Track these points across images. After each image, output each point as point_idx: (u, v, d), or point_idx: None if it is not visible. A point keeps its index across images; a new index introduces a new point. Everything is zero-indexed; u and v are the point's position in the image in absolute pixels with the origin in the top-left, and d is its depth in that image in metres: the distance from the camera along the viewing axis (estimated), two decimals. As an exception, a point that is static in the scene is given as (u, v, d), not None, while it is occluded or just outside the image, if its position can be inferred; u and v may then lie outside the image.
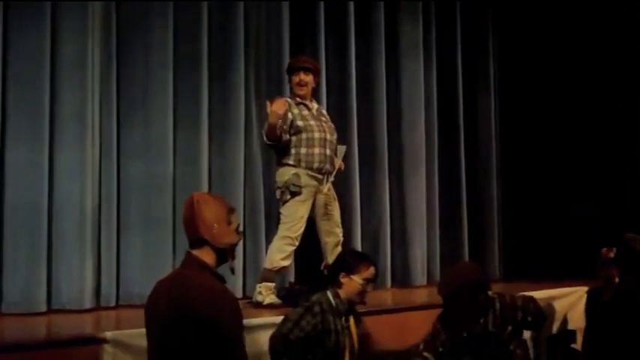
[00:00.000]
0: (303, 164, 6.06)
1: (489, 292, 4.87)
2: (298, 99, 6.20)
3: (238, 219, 3.80)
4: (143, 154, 6.56)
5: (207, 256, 3.62)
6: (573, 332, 6.55)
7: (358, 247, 7.65)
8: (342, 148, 6.26)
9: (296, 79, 6.23)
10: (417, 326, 5.80)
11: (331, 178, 6.24)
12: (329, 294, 4.55)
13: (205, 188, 6.75)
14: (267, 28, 7.44)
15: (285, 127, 5.99)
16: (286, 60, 7.18)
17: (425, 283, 8.23)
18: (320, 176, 6.12)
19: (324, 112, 6.47)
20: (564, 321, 6.88)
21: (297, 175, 6.03)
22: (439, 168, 8.66)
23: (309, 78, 6.25)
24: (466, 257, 8.68)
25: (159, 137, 6.61)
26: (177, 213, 6.55)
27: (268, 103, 5.90)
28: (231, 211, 3.74)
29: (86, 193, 6.11)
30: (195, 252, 3.63)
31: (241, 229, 3.83)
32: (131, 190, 6.51)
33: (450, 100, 8.90)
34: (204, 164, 6.84)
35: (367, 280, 4.55)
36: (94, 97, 6.24)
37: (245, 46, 7.19)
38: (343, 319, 4.52)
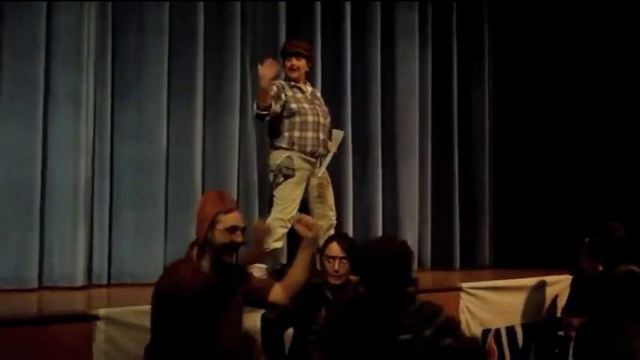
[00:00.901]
0: (296, 147, 6.05)
1: None
2: (292, 82, 6.20)
3: (235, 220, 3.75)
4: (137, 132, 6.57)
5: (201, 253, 3.72)
6: (560, 319, 6.58)
7: (350, 233, 7.66)
8: (338, 134, 6.24)
9: (288, 63, 6.20)
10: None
11: (325, 162, 6.26)
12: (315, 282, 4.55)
13: (199, 169, 6.78)
14: (264, 7, 7.45)
15: (272, 94, 5.93)
16: (282, 40, 7.20)
17: (415, 268, 8.24)
18: (313, 160, 6.12)
19: (319, 94, 6.46)
20: (553, 308, 6.93)
21: (290, 158, 6.02)
22: (432, 155, 8.69)
23: (301, 63, 6.23)
24: (457, 244, 8.72)
25: (153, 116, 6.62)
26: (169, 192, 6.59)
27: (259, 66, 5.85)
28: (225, 212, 3.74)
29: (79, 171, 6.11)
30: (194, 247, 3.75)
31: (240, 226, 3.77)
32: (124, 168, 6.52)
33: (444, 90, 8.92)
34: (198, 145, 6.84)
35: (327, 257, 4.52)
36: (88, 75, 6.25)
37: (241, 26, 7.19)
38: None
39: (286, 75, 6.24)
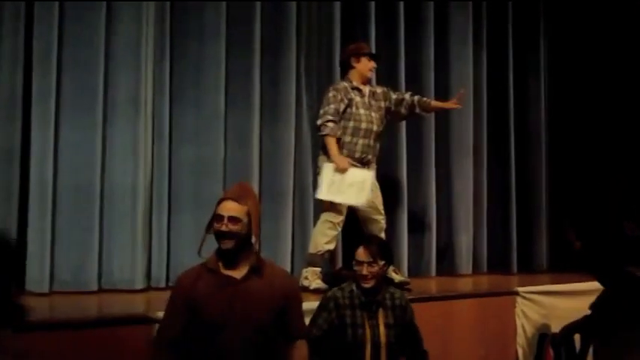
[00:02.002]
0: (345, 152, 6.11)
1: None
2: (355, 83, 6.26)
3: (221, 209, 3.84)
4: (195, 136, 6.63)
5: None
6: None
7: (404, 235, 7.67)
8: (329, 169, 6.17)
9: (369, 64, 6.34)
10: (462, 314, 5.84)
11: (374, 166, 6.31)
12: (347, 287, 4.55)
13: (256, 171, 6.82)
14: (319, 8, 7.48)
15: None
16: (337, 46, 7.29)
17: (470, 272, 8.22)
18: (360, 165, 6.16)
19: (379, 91, 6.48)
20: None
21: None
22: (487, 156, 8.62)
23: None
24: (514, 248, 8.66)
25: (211, 119, 6.68)
26: (227, 196, 6.61)
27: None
28: (219, 201, 3.88)
29: (138, 175, 6.19)
30: None
31: (225, 215, 3.83)
32: (183, 171, 6.58)
33: (499, 89, 8.84)
34: (255, 147, 6.87)
35: (356, 262, 4.52)
36: (147, 79, 6.32)
37: (297, 29, 7.22)
38: (363, 311, 4.44)
39: (354, 74, 6.28)
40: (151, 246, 6.34)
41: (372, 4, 7.72)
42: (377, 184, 6.35)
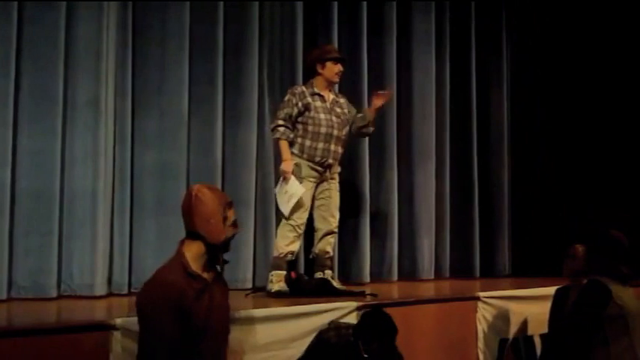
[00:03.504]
0: (305, 156, 6.16)
1: None
2: (316, 89, 6.26)
3: (235, 213, 3.87)
4: (157, 140, 6.59)
5: (197, 247, 3.73)
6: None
7: (366, 240, 7.69)
8: (298, 190, 6.16)
9: (335, 68, 6.33)
10: (423, 319, 5.85)
11: (337, 170, 6.34)
12: None
13: (219, 176, 6.80)
14: (282, 16, 7.46)
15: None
16: (299, 49, 7.31)
17: (432, 276, 8.25)
18: (321, 169, 6.20)
19: (342, 101, 6.49)
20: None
21: (298, 166, 6.16)
22: (450, 161, 8.67)
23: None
24: (477, 252, 8.70)
25: (173, 124, 6.65)
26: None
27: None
28: (228, 205, 3.82)
29: (99, 179, 6.13)
30: (187, 241, 3.76)
31: (238, 221, 3.88)
32: (145, 176, 6.54)
33: (462, 94, 8.90)
34: (218, 152, 6.86)
35: None
36: (108, 83, 6.26)
37: (259, 31, 7.22)
38: None
39: (326, 78, 6.32)
40: (113, 252, 6.29)
41: (335, 5, 7.72)
42: (338, 187, 6.38)
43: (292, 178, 6.08)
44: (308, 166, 6.16)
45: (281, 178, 6.17)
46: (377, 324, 4.62)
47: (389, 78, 8.15)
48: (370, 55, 8.01)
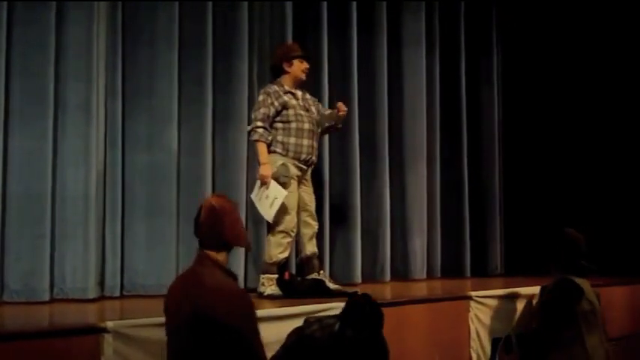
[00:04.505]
0: (290, 154, 6.13)
1: None
2: (287, 87, 6.25)
3: None
4: (148, 142, 6.58)
5: (223, 257, 3.85)
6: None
7: (357, 240, 7.70)
8: (280, 193, 6.10)
9: (302, 65, 6.31)
10: (416, 319, 5.85)
11: (311, 169, 6.39)
12: None
13: (209, 178, 6.80)
14: (271, 16, 7.47)
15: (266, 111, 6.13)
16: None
17: (424, 276, 8.26)
18: (305, 167, 6.20)
19: (308, 97, 6.47)
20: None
21: (285, 165, 6.11)
22: (441, 161, 8.69)
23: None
24: (468, 252, 8.71)
25: (164, 126, 6.63)
26: (181, 203, 6.60)
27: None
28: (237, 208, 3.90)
29: (90, 182, 6.10)
30: (211, 253, 3.82)
31: None
32: (136, 178, 6.52)
33: (452, 92, 8.93)
34: (209, 154, 6.85)
35: None
36: (98, 86, 6.23)
37: (249, 32, 7.20)
38: None
39: (293, 76, 6.31)
40: (105, 254, 6.27)
41: (325, 5, 7.72)
42: (312, 188, 6.38)
43: (272, 181, 6.01)
44: (294, 164, 6.13)
45: (258, 183, 6.09)
46: (365, 311, 4.57)
47: (379, 78, 8.17)
48: (360, 55, 8.01)
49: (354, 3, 7.98)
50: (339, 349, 4.42)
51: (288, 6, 7.46)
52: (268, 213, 6.02)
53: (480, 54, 9.25)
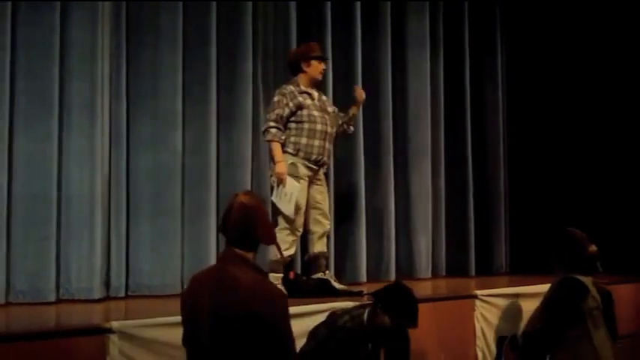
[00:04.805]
0: (301, 154, 6.14)
1: None
2: (303, 87, 6.26)
3: None
4: (152, 143, 6.59)
5: (250, 254, 3.68)
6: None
7: (363, 240, 7.69)
8: (294, 188, 6.11)
9: (319, 67, 6.33)
10: (421, 318, 5.84)
11: (324, 170, 6.36)
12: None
13: (213, 178, 6.81)
14: (275, 16, 7.48)
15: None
16: (293, 44, 7.30)
17: (429, 275, 8.26)
18: (316, 167, 6.20)
19: (325, 98, 6.51)
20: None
21: (294, 165, 6.13)
22: (445, 160, 8.68)
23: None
24: (472, 250, 8.70)
25: (168, 126, 6.64)
26: (185, 203, 6.61)
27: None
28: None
29: (95, 183, 6.12)
30: (239, 250, 3.65)
31: None
32: (140, 179, 6.54)
33: (457, 92, 8.91)
34: (213, 154, 6.86)
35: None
36: (103, 87, 6.25)
37: (253, 32, 7.21)
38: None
39: (304, 77, 6.29)
40: (110, 255, 6.29)
41: (329, 5, 7.72)
42: (326, 187, 6.38)
43: (288, 178, 6.04)
44: (303, 164, 6.14)
45: (275, 184, 6.11)
46: (402, 299, 4.58)
47: (383, 78, 8.17)
48: (364, 55, 8.00)
49: (359, 3, 7.98)
50: (373, 336, 4.45)
51: (292, 6, 7.47)
52: (288, 209, 6.03)
53: (484, 54, 9.23)
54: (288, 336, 3.57)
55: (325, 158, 6.26)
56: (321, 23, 7.71)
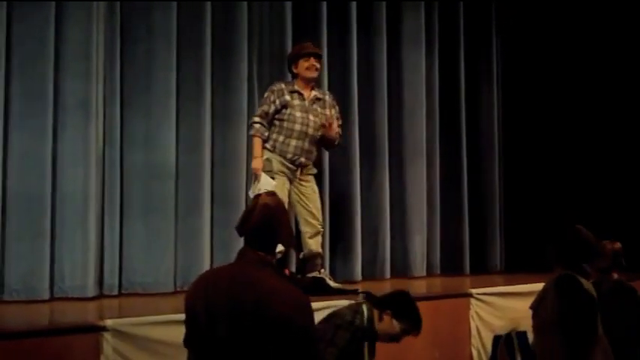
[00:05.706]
0: (277, 152, 6.16)
1: None
2: (296, 87, 6.25)
3: None
4: (146, 141, 6.58)
5: (270, 256, 3.50)
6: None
7: (358, 238, 7.68)
8: (268, 183, 6.05)
9: (306, 63, 6.28)
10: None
11: (312, 171, 6.34)
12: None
13: (207, 177, 6.80)
14: (270, 15, 7.47)
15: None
16: (288, 43, 7.28)
17: (424, 273, 8.25)
18: (293, 167, 6.18)
19: (327, 99, 6.47)
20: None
21: (269, 160, 6.15)
22: (440, 158, 8.67)
23: (319, 64, 6.35)
24: (467, 249, 8.70)
25: (162, 124, 6.63)
26: (179, 201, 6.60)
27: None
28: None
29: (89, 182, 6.12)
30: (259, 252, 3.46)
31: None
32: (134, 177, 6.53)
33: (452, 91, 8.90)
34: (207, 153, 6.85)
35: (403, 331, 4.48)
36: (97, 84, 6.25)
37: (248, 30, 7.20)
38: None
39: (295, 77, 6.27)
40: (103, 253, 6.28)
41: (324, 4, 7.71)
42: (315, 189, 6.36)
43: (263, 174, 6.06)
44: (279, 161, 6.15)
45: (253, 177, 6.16)
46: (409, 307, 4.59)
47: (378, 77, 8.16)
48: (360, 55, 8.00)
49: (354, 3, 7.98)
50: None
51: (288, 5, 7.46)
52: None
53: (480, 53, 9.23)
54: (317, 343, 3.52)
55: (303, 159, 6.21)
56: (316, 22, 7.70)
